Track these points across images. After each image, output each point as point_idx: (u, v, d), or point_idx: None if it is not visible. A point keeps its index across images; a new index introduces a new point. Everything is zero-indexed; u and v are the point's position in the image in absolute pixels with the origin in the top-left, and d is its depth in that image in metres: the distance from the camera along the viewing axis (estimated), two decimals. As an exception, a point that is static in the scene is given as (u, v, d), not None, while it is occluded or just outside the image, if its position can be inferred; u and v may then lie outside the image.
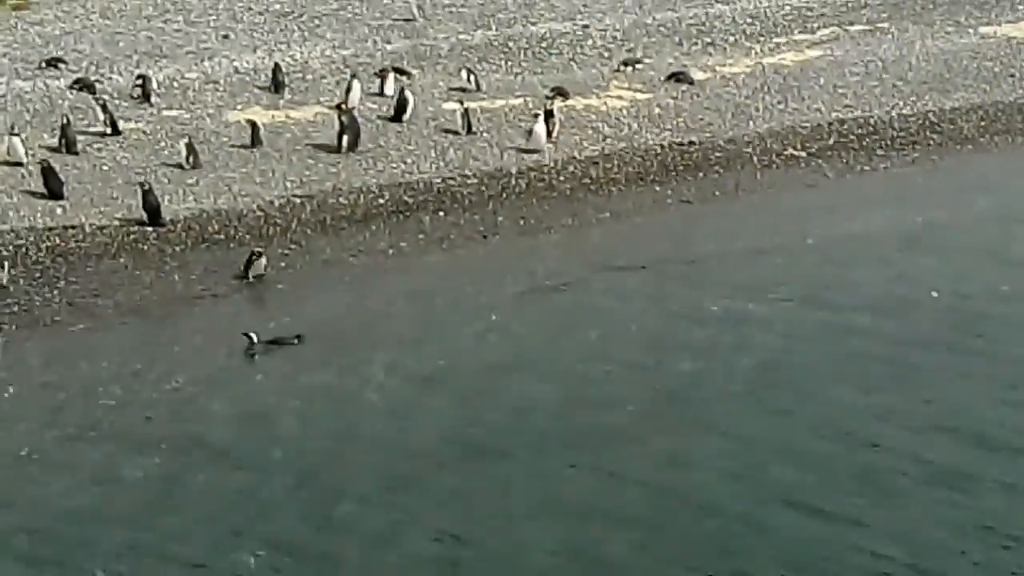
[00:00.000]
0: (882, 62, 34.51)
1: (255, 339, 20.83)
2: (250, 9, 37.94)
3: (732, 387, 19.58)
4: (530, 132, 29.28)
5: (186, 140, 28.09)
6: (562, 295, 23.44)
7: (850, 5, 38.72)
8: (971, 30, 36.98)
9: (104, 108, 29.43)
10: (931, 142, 30.66)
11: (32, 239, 24.71)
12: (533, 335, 21.99)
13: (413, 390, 19.91)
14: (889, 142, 30.50)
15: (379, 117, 30.35)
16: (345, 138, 28.78)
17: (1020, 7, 38.67)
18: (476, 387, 20.04)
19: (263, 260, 23.59)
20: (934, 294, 22.59)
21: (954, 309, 22.12)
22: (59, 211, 25.76)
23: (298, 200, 26.81)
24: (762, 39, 36.10)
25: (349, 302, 23.41)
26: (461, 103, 30.57)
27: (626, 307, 22.84)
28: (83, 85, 31.32)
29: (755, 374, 20.13)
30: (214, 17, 37.27)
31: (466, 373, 20.45)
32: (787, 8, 38.22)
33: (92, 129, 29.10)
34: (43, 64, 32.95)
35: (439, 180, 27.91)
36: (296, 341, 20.93)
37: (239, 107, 30.92)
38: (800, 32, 36.62)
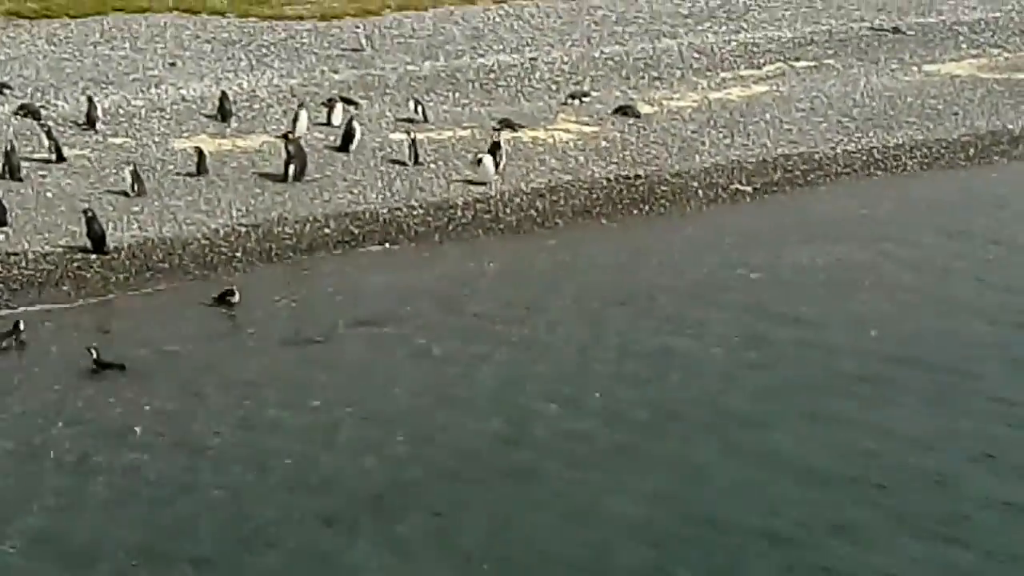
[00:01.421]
0: (827, 98, 34.73)
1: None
2: (197, 37, 37.91)
3: (669, 418, 19.69)
4: (477, 163, 29.34)
5: (131, 167, 27.98)
6: (501, 326, 23.35)
7: (796, 41, 38.97)
8: (915, 68, 37.33)
9: (49, 134, 29.36)
10: (876, 177, 30.86)
11: (-27, 266, 24.59)
12: (466, 367, 21.86)
13: (357, 426, 19.85)
14: (834, 177, 30.66)
15: (326, 147, 30.36)
16: (292, 167, 28.76)
17: (963, 46, 39.00)
18: (411, 420, 19.95)
19: (236, 295, 23.70)
20: (873, 332, 22.79)
21: (889, 345, 22.29)
22: (1, 238, 25.60)
23: (244, 229, 26.71)
24: (709, 74, 36.28)
25: (292, 329, 23.42)
26: (408, 134, 30.60)
27: (565, 341, 22.86)
28: (28, 111, 31.24)
29: (685, 406, 20.22)
30: (161, 44, 37.20)
31: (399, 406, 20.46)
32: (734, 43, 38.48)
33: (36, 155, 29.00)
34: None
35: (385, 211, 27.91)
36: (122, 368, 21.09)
37: (185, 135, 30.87)
38: (746, 67, 36.85)
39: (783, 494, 17.65)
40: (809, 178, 30.63)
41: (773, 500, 17.56)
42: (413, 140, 30.16)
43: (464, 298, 24.51)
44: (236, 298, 23.70)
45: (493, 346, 22.43)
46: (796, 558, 16.26)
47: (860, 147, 32.01)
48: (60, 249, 25.55)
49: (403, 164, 29.75)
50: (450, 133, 31.60)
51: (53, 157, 28.94)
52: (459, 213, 28.10)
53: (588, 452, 18.84)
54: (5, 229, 25.81)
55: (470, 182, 29.06)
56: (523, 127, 31.87)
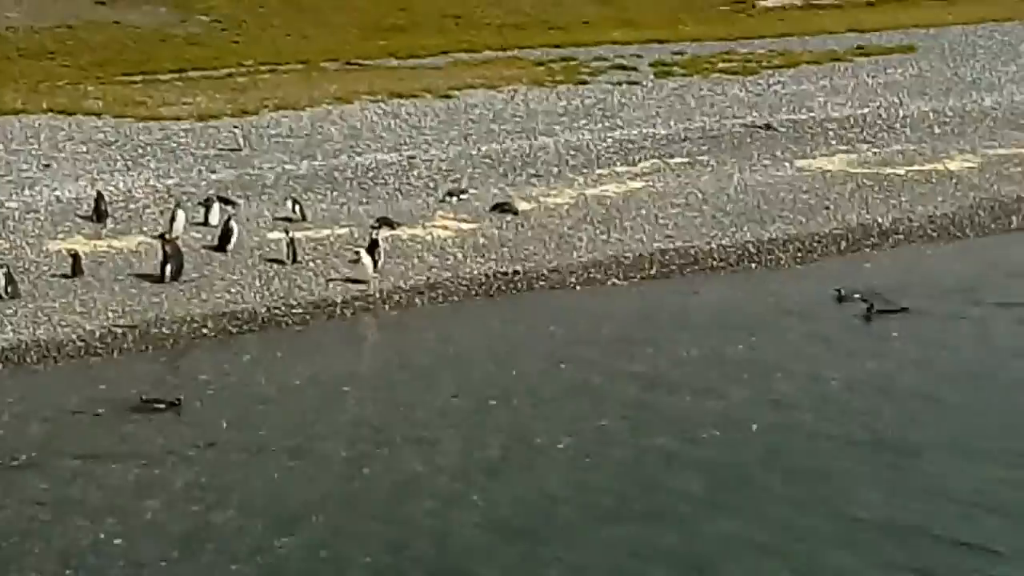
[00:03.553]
0: (702, 193, 35.06)
1: None
2: (72, 139, 37.75)
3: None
4: (355, 262, 29.48)
5: (4, 270, 27.79)
6: (388, 433, 23.37)
7: (670, 138, 39.35)
8: (787, 163, 37.79)
9: (-79, 236, 29.15)
10: (751, 270, 31.24)
11: None
12: (338, 467, 21.82)
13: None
14: (710, 271, 31.00)
15: (204, 246, 30.33)
16: (168, 267, 28.72)
17: (833, 142, 39.67)
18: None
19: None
20: (754, 427, 23.00)
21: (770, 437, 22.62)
22: None
23: (120, 330, 26.64)
24: (585, 171, 36.55)
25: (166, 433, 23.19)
26: (287, 232, 30.63)
27: (447, 435, 22.98)
28: (-103, 213, 30.95)
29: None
30: (35, 146, 37.01)
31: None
32: (609, 140, 38.88)
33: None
34: None
35: (264, 309, 27.92)
36: None
37: (61, 236, 30.73)
38: (622, 164, 37.17)
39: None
40: (685, 272, 30.92)
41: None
42: (291, 239, 30.21)
43: (342, 394, 24.60)
44: None
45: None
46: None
47: (735, 241, 32.30)
48: (-70, 353, 25.42)
49: (281, 263, 29.80)
50: (328, 232, 31.69)
51: (-77, 260, 28.73)
52: (338, 311, 28.19)
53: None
54: None
55: (349, 280, 29.16)
56: (401, 225, 32.02)
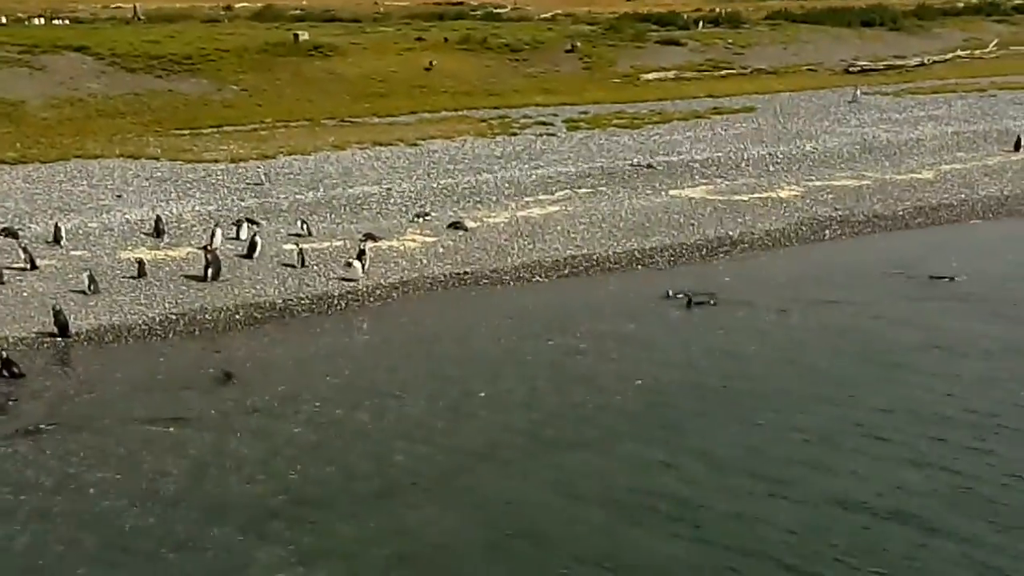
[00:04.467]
0: (601, 215, 35.17)
1: None
2: (138, 176, 37.59)
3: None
4: (349, 266, 29.48)
5: (88, 272, 27.83)
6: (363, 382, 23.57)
7: (578, 174, 39.46)
8: (663, 192, 37.94)
9: (24, 249, 29.16)
10: (637, 270, 31.36)
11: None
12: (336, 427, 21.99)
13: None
14: (607, 272, 31.15)
15: (236, 255, 30.27)
16: (210, 271, 28.70)
17: (696, 177, 39.91)
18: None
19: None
20: (637, 381, 23.22)
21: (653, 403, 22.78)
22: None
23: (174, 317, 26.64)
24: (516, 198, 36.65)
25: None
26: (297, 244, 30.63)
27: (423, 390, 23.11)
28: (8, 232, 30.87)
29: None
30: (110, 182, 36.83)
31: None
32: (534, 176, 38.93)
33: (15, 265, 28.69)
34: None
35: (280, 301, 27.92)
36: None
37: (129, 248, 30.66)
38: (543, 194, 37.27)
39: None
40: (589, 272, 31.10)
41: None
42: (300, 249, 30.18)
43: (338, 362, 24.61)
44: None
45: (361, 396, 22.62)
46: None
47: (625, 249, 32.42)
48: (34, 334, 25.32)
49: (293, 267, 29.76)
50: (328, 243, 31.64)
51: (28, 267, 28.68)
52: (336, 302, 28.21)
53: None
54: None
55: (343, 279, 29.17)
56: (382, 238, 31.96)
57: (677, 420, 21.64)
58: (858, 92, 55.36)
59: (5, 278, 27.84)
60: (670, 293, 28.63)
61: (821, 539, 17.08)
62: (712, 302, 28.29)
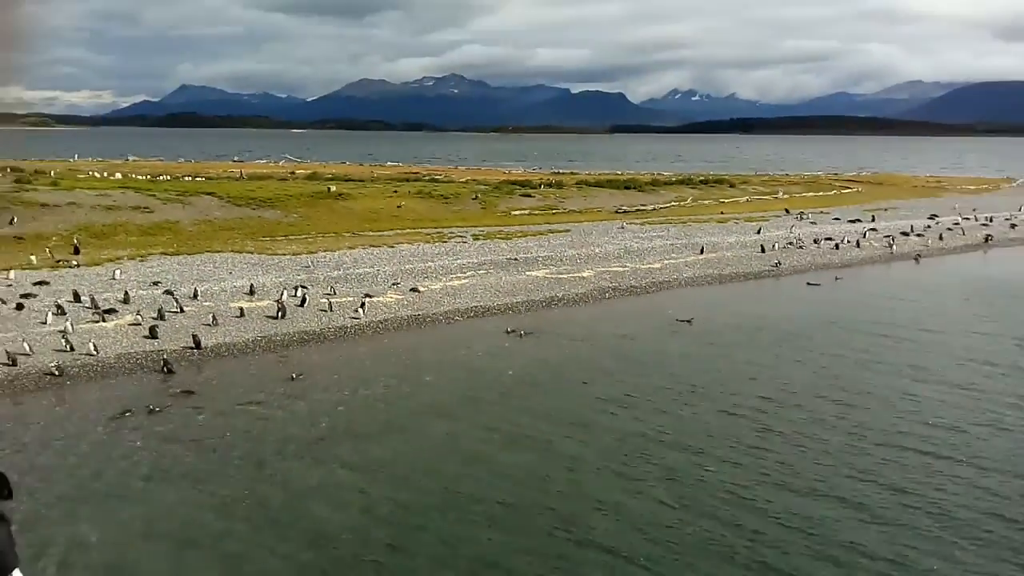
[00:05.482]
0: (490, 284, 35.08)
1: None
2: (240, 262, 36.91)
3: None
4: (358, 310, 29.30)
5: (212, 314, 27.44)
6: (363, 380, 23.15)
7: (478, 263, 39.24)
8: (523, 272, 37.98)
9: (176, 301, 28.60)
10: (508, 315, 31.03)
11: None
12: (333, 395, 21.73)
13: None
14: (490, 316, 30.87)
15: (295, 305, 29.84)
16: (280, 313, 28.42)
17: (539, 264, 39.89)
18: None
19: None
20: (500, 388, 22.96)
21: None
22: (156, 344, 24.69)
23: (260, 338, 26.23)
24: (445, 275, 36.36)
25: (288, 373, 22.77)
26: (327, 299, 30.35)
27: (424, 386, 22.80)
28: (167, 291, 30.20)
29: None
30: (226, 264, 36.22)
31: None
32: (455, 264, 38.73)
33: (172, 310, 28.05)
34: (151, 284, 31.47)
35: (318, 330, 27.67)
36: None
37: (235, 301, 30.08)
38: (460, 273, 37.03)
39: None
40: (484, 315, 30.96)
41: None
42: (330, 303, 30.00)
43: (352, 363, 24.34)
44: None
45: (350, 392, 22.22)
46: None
47: (503, 303, 32.34)
48: (179, 347, 24.73)
49: (325, 311, 29.49)
50: (346, 299, 31.32)
51: (179, 311, 28.09)
52: (349, 331, 28.00)
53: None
54: (155, 341, 24.76)
55: (354, 319, 28.95)
56: (374, 296, 31.76)
57: (467, 400, 20.88)
58: (623, 224, 55.40)
59: (166, 317, 27.32)
60: (509, 330, 28.26)
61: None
62: (526, 333, 27.77)
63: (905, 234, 54.00)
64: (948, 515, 14.64)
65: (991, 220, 62.56)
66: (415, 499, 15.07)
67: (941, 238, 53.32)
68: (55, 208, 42.90)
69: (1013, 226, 60.40)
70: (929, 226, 57.98)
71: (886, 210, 67.46)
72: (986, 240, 54.30)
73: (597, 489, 15.60)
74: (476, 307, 31.69)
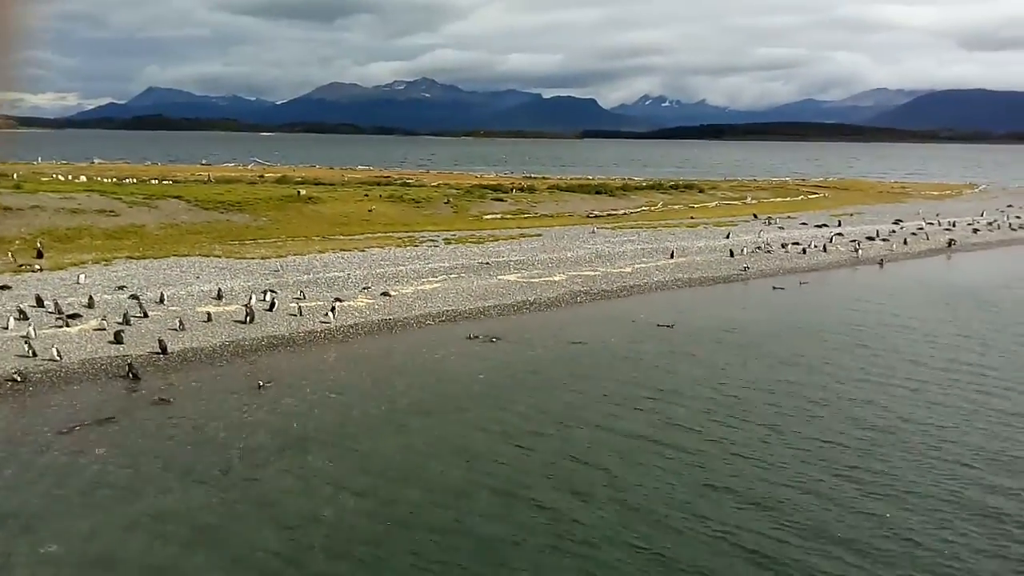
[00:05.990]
0: (462, 289, 35.01)
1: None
2: (208, 266, 36.53)
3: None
4: (328, 314, 29.07)
5: (179, 319, 27.06)
6: (329, 381, 22.98)
7: (451, 268, 39.15)
8: (495, 277, 37.94)
9: (141, 306, 28.29)
10: (479, 319, 31.06)
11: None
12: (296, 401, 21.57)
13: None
14: (464, 320, 30.79)
15: (263, 309, 29.59)
16: (248, 318, 28.13)
17: (512, 269, 39.84)
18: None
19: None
20: (479, 376, 23.03)
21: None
22: (122, 349, 24.18)
23: (227, 344, 25.90)
24: (416, 280, 36.23)
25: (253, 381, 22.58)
26: (298, 303, 30.15)
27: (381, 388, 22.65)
28: (133, 296, 29.76)
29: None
30: (192, 270, 35.75)
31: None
32: (427, 268, 38.60)
33: (137, 315, 27.66)
34: (116, 288, 30.97)
35: (287, 335, 27.44)
36: None
37: (201, 306, 29.72)
38: (431, 277, 36.99)
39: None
40: (457, 320, 30.89)
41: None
42: (300, 307, 29.79)
43: (322, 368, 24.13)
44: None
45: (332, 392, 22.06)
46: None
47: (474, 307, 32.30)
48: (145, 352, 24.35)
49: (295, 316, 29.25)
50: (316, 303, 31.11)
51: (143, 316, 27.69)
52: (319, 335, 27.78)
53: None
54: (120, 346, 24.39)
55: (324, 323, 28.75)
56: (344, 300, 31.58)
57: (438, 406, 20.90)
58: (595, 228, 55.47)
59: (132, 322, 26.88)
60: (471, 335, 27.92)
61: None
62: (497, 339, 27.68)
63: (871, 239, 54.84)
64: (914, 511, 15.49)
65: (954, 225, 63.89)
66: (385, 507, 15.05)
67: (906, 243, 54.25)
68: (18, 211, 42.04)
69: (975, 231, 61.70)
70: (894, 231, 58.96)
71: (852, 215, 68.72)
72: (949, 245, 55.36)
73: (566, 495, 15.73)
74: (448, 311, 31.57)
